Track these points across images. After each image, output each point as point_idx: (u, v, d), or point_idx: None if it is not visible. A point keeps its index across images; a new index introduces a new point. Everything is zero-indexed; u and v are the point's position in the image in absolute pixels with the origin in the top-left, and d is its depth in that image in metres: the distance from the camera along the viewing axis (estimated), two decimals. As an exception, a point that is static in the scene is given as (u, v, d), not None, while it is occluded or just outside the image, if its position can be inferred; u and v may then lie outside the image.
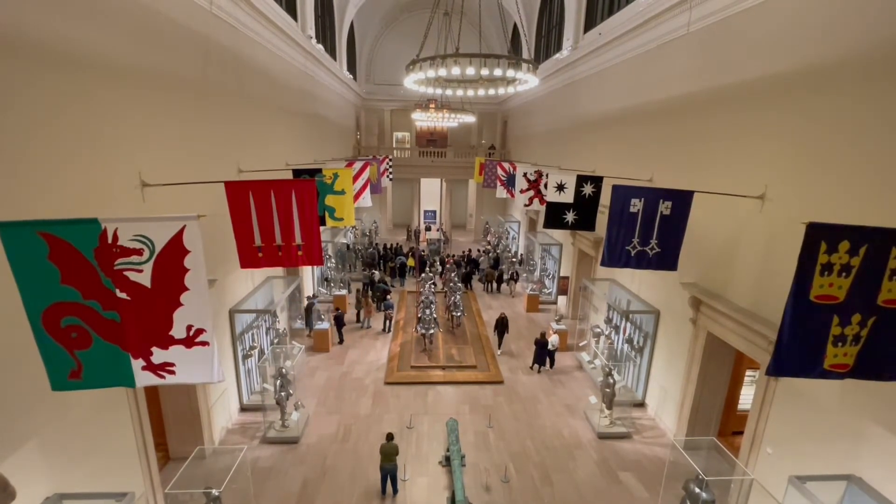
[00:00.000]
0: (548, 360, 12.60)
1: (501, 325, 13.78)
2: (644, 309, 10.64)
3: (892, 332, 4.10)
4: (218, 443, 9.19)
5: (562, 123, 17.50)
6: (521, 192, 14.13)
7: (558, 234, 17.57)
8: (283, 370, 9.64)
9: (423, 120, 22.85)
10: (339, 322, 14.07)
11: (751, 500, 7.06)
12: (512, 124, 28.75)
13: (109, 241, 3.65)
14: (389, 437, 8.28)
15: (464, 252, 23.38)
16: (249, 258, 5.84)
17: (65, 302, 3.66)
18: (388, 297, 16.39)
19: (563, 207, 10.35)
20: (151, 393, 8.10)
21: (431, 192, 32.31)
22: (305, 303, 14.76)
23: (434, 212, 33.76)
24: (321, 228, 6.86)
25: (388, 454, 7.92)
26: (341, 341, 14.12)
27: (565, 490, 8.22)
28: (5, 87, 4.44)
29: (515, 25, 22.66)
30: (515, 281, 19.97)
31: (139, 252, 3.74)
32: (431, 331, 13.54)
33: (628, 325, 11.48)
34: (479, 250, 24.05)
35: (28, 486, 4.70)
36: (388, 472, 7.96)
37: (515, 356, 13.51)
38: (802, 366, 4.28)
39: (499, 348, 13.71)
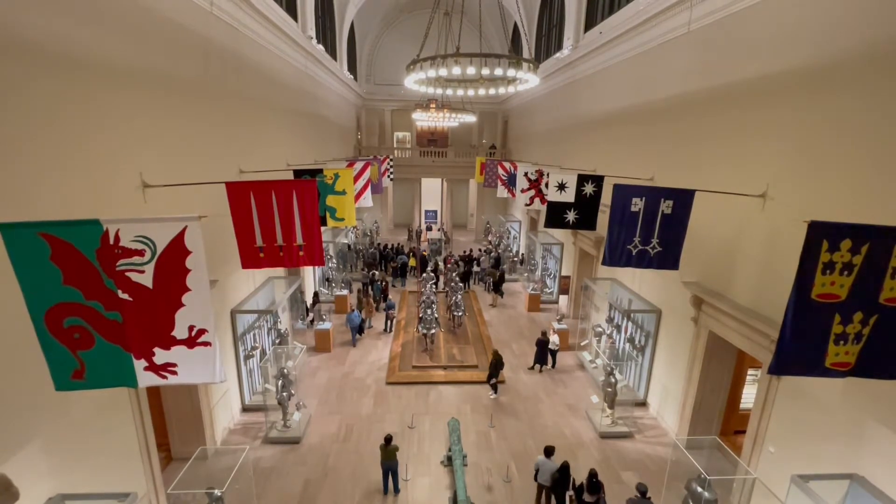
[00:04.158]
0: (549, 359, 12.60)
1: (494, 366, 11.22)
2: (645, 308, 10.63)
3: (893, 331, 4.10)
4: (220, 443, 9.20)
5: (562, 123, 17.49)
6: (522, 191, 14.12)
7: (559, 234, 17.56)
8: (285, 370, 9.65)
9: (424, 120, 22.82)
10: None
11: (753, 500, 7.05)
12: (513, 124, 28.74)
13: (111, 241, 3.66)
14: (388, 438, 8.13)
15: (464, 252, 23.38)
16: (251, 258, 5.85)
17: (67, 303, 3.66)
18: (389, 296, 16.39)
19: (564, 207, 10.34)
20: (153, 393, 8.12)
21: (432, 191, 32.32)
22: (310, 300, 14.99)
23: (435, 211, 33.76)
24: (322, 229, 6.86)
25: (388, 454, 7.93)
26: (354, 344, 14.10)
27: (567, 489, 8.23)
28: (6, 88, 4.45)
29: (516, 25, 22.65)
30: (499, 291, 17.95)
31: (141, 253, 3.75)
32: (433, 330, 13.54)
33: (630, 324, 11.47)
34: (479, 250, 24.05)
35: (31, 486, 4.72)
36: (389, 469, 7.96)
37: (517, 356, 13.51)
38: (804, 364, 4.28)
39: (494, 392, 11.23)
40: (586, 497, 7.32)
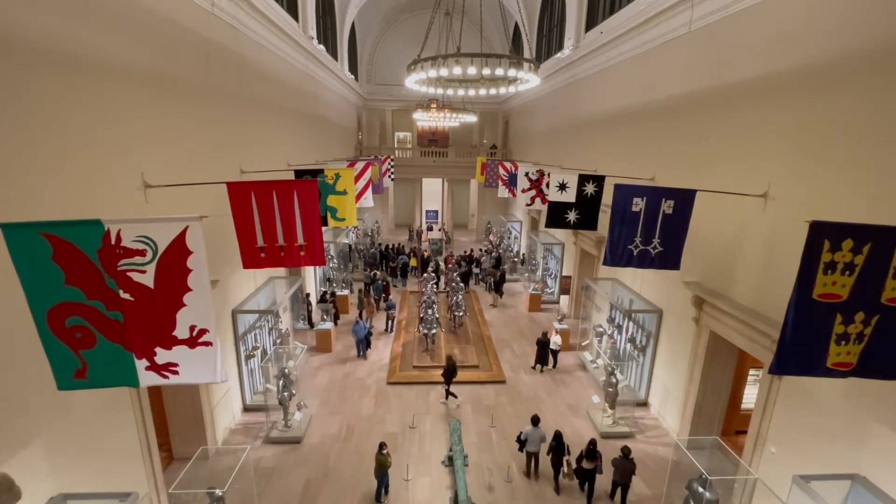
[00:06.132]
0: (551, 359, 12.60)
1: (447, 373, 10.84)
2: (646, 308, 10.62)
3: (895, 331, 4.09)
4: (221, 443, 9.21)
5: (563, 123, 17.48)
6: (523, 191, 14.11)
7: (560, 234, 17.55)
8: (286, 370, 9.66)
9: (425, 120, 22.82)
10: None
11: (754, 500, 7.04)
12: (513, 124, 28.73)
13: (112, 242, 3.66)
14: (381, 446, 7.99)
15: (465, 252, 23.37)
16: (252, 259, 5.84)
17: (69, 302, 3.67)
18: (390, 296, 16.36)
19: (565, 207, 10.32)
20: (155, 393, 8.13)
21: (433, 191, 32.32)
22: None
23: (436, 212, 33.75)
24: (323, 229, 6.86)
25: (379, 463, 7.83)
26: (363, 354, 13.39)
27: (567, 489, 8.22)
28: (7, 89, 4.46)
29: (517, 25, 22.66)
30: (500, 291, 18.03)
31: (142, 253, 3.75)
32: (433, 331, 13.54)
33: (631, 324, 11.46)
34: (480, 250, 24.04)
35: (32, 486, 4.73)
36: (381, 478, 7.88)
37: (518, 356, 13.51)
38: (805, 364, 4.27)
39: (446, 398, 10.97)
40: (585, 464, 7.80)
